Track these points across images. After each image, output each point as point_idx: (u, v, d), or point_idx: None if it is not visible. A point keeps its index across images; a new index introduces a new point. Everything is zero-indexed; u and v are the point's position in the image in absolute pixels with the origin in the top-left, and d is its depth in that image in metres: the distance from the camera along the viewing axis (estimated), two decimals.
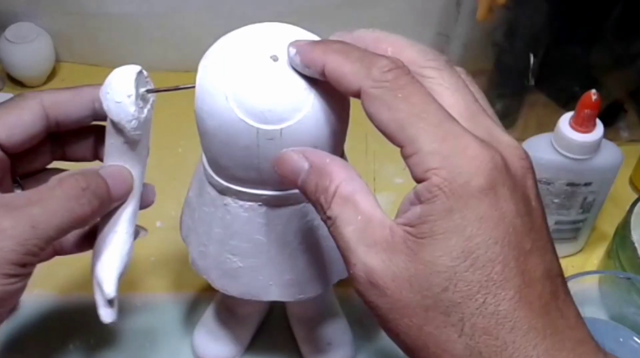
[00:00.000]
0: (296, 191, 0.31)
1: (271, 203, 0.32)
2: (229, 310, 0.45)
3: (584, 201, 0.48)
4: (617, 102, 0.59)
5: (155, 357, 0.46)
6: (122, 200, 0.32)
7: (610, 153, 0.46)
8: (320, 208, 0.27)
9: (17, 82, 0.66)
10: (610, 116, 0.56)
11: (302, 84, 0.28)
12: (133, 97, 0.29)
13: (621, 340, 0.42)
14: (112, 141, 0.31)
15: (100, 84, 0.30)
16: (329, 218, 0.26)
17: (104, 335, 0.47)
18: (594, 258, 0.53)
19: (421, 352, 0.25)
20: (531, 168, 0.26)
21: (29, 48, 0.63)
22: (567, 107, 0.49)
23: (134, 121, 0.30)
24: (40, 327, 0.48)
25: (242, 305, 0.44)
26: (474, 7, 0.56)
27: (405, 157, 0.25)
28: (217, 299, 0.46)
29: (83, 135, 0.35)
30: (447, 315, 0.24)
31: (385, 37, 0.28)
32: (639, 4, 0.53)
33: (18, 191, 0.31)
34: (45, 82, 0.67)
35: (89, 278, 0.51)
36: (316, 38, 0.30)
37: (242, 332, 0.45)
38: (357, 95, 0.26)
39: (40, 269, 0.52)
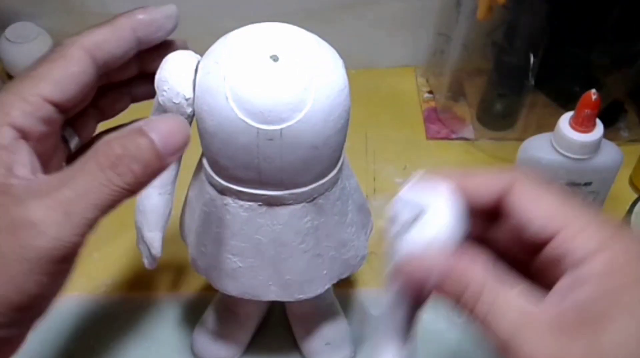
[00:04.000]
0: (296, 191, 0.32)
1: (271, 203, 0.32)
2: (229, 310, 0.45)
3: (584, 201, 0.48)
4: (617, 102, 0.59)
5: (155, 357, 0.46)
6: (179, 154, 0.26)
7: (610, 152, 0.46)
8: (465, 312, 0.24)
9: None
10: (610, 116, 0.56)
11: (302, 84, 0.28)
12: (191, 100, 0.30)
13: None
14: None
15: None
16: (476, 319, 0.24)
17: (104, 335, 0.47)
18: None
19: None
20: None
21: (29, 48, 0.63)
22: (567, 107, 0.49)
23: (188, 119, 0.31)
24: (40, 327, 0.48)
25: (242, 305, 0.44)
26: (474, 7, 0.56)
27: (564, 242, 0.24)
28: (217, 299, 0.46)
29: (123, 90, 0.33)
30: None
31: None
32: (639, 4, 0.53)
33: (54, 173, 0.26)
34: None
35: (89, 279, 0.51)
36: (317, 38, 0.30)
37: (242, 332, 0.45)
38: (496, 200, 0.25)
39: None
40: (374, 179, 0.55)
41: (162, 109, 0.31)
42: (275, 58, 0.28)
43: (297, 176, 0.31)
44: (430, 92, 0.64)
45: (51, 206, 0.24)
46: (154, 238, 0.36)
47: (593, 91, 0.43)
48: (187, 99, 0.30)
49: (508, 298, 0.23)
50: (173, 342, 0.47)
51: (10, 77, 0.66)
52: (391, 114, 0.62)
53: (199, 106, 0.30)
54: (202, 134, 0.31)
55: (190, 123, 0.31)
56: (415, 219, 0.25)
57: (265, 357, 0.47)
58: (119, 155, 0.25)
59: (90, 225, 0.25)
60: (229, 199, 0.32)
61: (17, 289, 0.24)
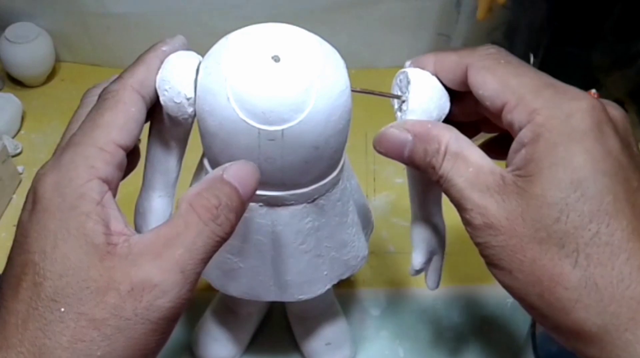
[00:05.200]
0: (297, 191, 0.32)
1: (272, 204, 0.32)
2: (229, 310, 0.45)
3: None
4: (617, 102, 0.59)
5: None
6: (253, 197, 0.28)
7: None
8: (432, 171, 0.28)
9: (17, 82, 0.66)
10: None
11: (303, 85, 0.28)
12: (192, 100, 0.30)
13: None
14: (161, 124, 0.32)
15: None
16: (441, 176, 0.28)
17: None
18: None
19: (534, 287, 0.25)
20: (627, 117, 0.28)
21: (29, 48, 0.63)
22: None
23: (190, 119, 0.30)
24: None
25: (242, 305, 0.44)
26: (474, 7, 0.56)
27: (509, 112, 0.27)
28: (217, 299, 0.46)
29: None
30: (561, 247, 0.24)
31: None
32: (639, 4, 0.53)
33: (150, 231, 0.26)
34: (45, 82, 0.67)
35: None
36: (319, 39, 0.30)
37: (242, 332, 0.45)
38: (462, 79, 0.29)
39: None
40: (374, 179, 0.55)
41: (164, 110, 0.31)
42: (276, 59, 0.28)
43: (298, 177, 0.31)
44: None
45: (167, 266, 0.25)
46: None
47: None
48: (188, 99, 0.30)
49: (469, 156, 0.28)
50: (173, 342, 0.47)
51: (10, 77, 0.66)
52: (391, 114, 0.62)
53: (200, 107, 0.30)
54: (203, 134, 0.31)
55: (192, 124, 0.31)
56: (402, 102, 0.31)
57: (265, 357, 0.47)
58: (217, 206, 0.26)
59: (198, 278, 0.26)
60: None
61: (141, 351, 0.25)
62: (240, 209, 0.27)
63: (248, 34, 0.30)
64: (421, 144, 0.29)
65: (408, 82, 0.31)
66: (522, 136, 0.26)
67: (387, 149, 0.30)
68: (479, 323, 0.48)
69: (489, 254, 0.27)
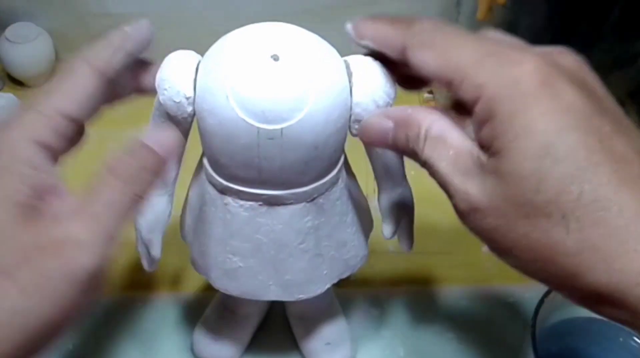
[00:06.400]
0: (296, 190, 0.32)
1: (271, 203, 0.32)
2: (229, 310, 0.45)
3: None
4: (617, 102, 0.60)
5: (155, 357, 0.46)
6: (175, 157, 0.30)
7: None
8: (415, 156, 0.28)
9: (17, 82, 0.66)
10: None
11: (302, 83, 0.28)
12: (192, 99, 0.30)
13: (621, 340, 0.42)
14: (161, 119, 0.32)
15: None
16: (425, 161, 0.27)
17: (104, 335, 0.47)
18: None
19: (537, 263, 0.24)
20: (584, 62, 0.26)
21: (29, 48, 0.63)
22: None
23: (189, 118, 0.30)
24: None
25: (242, 305, 0.44)
26: (474, 7, 0.56)
27: (457, 90, 0.26)
28: (217, 299, 0.46)
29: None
30: (549, 216, 0.23)
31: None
32: (639, 4, 0.53)
33: (76, 195, 0.27)
34: (45, 82, 0.67)
35: None
36: (318, 38, 0.30)
37: (242, 332, 0.45)
38: (402, 56, 0.28)
39: None
40: (374, 179, 0.55)
41: (163, 109, 0.31)
42: (275, 57, 0.28)
43: (297, 176, 0.31)
44: (430, 92, 0.64)
45: (88, 223, 0.26)
46: (153, 240, 0.36)
47: None
48: (187, 98, 0.30)
49: (449, 138, 0.27)
50: (173, 342, 0.47)
51: (10, 77, 0.66)
52: None
53: (200, 106, 0.30)
54: (203, 133, 0.31)
55: (191, 123, 0.31)
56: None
57: (265, 357, 0.47)
58: (132, 166, 0.27)
59: (119, 235, 0.27)
60: (229, 199, 0.32)
61: (62, 307, 0.25)
62: (159, 168, 0.28)
63: (247, 33, 0.30)
64: (402, 130, 0.28)
65: (351, 73, 0.30)
66: (478, 114, 0.25)
67: (372, 139, 0.30)
68: (479, 323, 0.48)
69: (484, 238, 0.26)
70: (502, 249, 0.26)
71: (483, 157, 0.25)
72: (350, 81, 0.30)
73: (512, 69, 0.25)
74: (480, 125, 0.25)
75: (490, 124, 0.25)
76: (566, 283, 0.24)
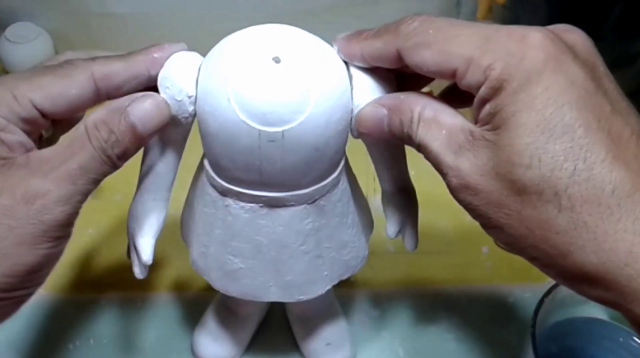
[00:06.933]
0: (297, 192, 0.32)
1: (272, 205, 0.32)
2: (229, 310, 0.45)
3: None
4: None
5: (155, 357, 0.46)
6: (157, 133, 0.30)
7: None
8: (410, 141, 0.28)
9: None
10: None
11: (303, 86, 0.28)
12: (194, 98, 0.30)
13: (621, 340, 0.42)
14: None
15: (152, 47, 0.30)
16: (419, 144, 0.27)
17: (104, 335, 0.47)
18: None
19: (528, 239, 0.24)
20: (589, 40, 0.26)
21: (29, 48, 0.63)
22: None
23: (190, 118, 0.30)
24: (40, 327, 0.48)
25: (242, 305, 0.44)
26: (474, 7, 0.56)
27: (463, 78, 0.25)
28: (217, 299, 0.46)
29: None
30: (540, 193, 0.23)
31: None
32: (639, 4, 0.53)
33: (50, 148, 0.29)
34: None
35: (89, 279, 0.52)
36: (319, 40, 0.30)
37: (242, 332, 0.45)
38: (400, 62, 0.28)
39: None
40: (374, 179, 0.55)
41: None
42: (277, 60, 0.28)
43: (298, 178, 0.31)
44: (430, 92, 0.64)
45: (61, 177, 0.27)
46: (145, 244, 0.35)
47: None
48: (189, 97, 0.30)
49: (441, 118, 0.27)
50: (173, 342, 0.47)
51: None
52: None
53: (201, 108, 0.30)
54: (204, 135, 0.31)
55: (191, 124, 0.31)
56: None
57: (265, 357, 0.47)
58: (106, 140, 0.28)
59: (88, 194, 0.29)
60: (230, 201, 0.32)
61: (32, 252, 0.27)
62: (135, 144, 0.29)
63: (248, 35, 0.30)
64: (396, 116, 0.28)
65: (351, 76, 0.30)
66: (482, 93, 0.25)
67: (369, 129, 0.29)
68: (479, 323, 0.48)
69: (476, 215, 0.26)
70: (493, 225, 0.25)
71: (478, 131, 0.25)
72: (351, 83, 0.30)
73: (517, 45, 0.24)
74: (482, 104, 0.25)
75: (494, 101, 0.24)
76: (556, 263, 0.24)
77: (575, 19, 0.54)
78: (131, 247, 0.36)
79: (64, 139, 0.31)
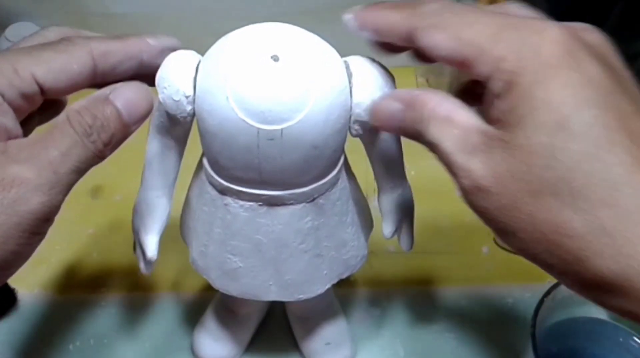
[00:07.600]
0: (296, 191, 0.32)
1: (271, 203, 0.32)
2: (229, 310, 0.45)
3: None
4: None
5: (155, 356, 0.46)
6: (143, 121, 0.29)
7: None
8: (421, 139, 0.27)
9: None
10: None
11: (302, 84, 0.28)
12: (192, 97, 0.30)
13: (621, 340, 0.42)
14: (161, 119, 0.32)
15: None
16: (430, 142, 0.26)
17: (104, 335, 0.47)
18: None
19: (541, 244, 0.23)
20: (608, 40, 0.25)
21: None
22: None
23: (189, 117, 0.30)
24: (39, 327, 0.48)
25: (242, 305, 0.44)
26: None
27: (473, 67, 0.25)
28: (217, 299, 0.46)
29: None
30: (556, 195, 0.22)
31: None
32: (639, 4, 0.53)
33: (28, 137, 0.27)
34: None
35: (89, 279, 0.52)
36: (318, 38, 0.30)
37: (242, 332, 0.45)
38: (410, 41, 0.27)
39: (40, 269, 0.52)
40: (374, 179, 0.55)
41: (163, 109, 0.31)
42: (275, 58, 0.28)
43: (297, 176, 0.31)
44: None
45: (41, 165, 0.26)
46: (150, 241, 0.35)
47: None
48: (187, 97, 0.30)
49: (455, 117, 0.26)
50: (173, 342, 0.47)
51: None
52: None
53: (200, 106, 0.30)
54: (203, 134, 0.31)
55: (191, 122, 0.31)
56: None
57: (265, 357, 0.47)
58: (90, 125, 0.27)
59: (71, 186, 0.27)
60: (229, 199, 0.32)
61: (3, 242, 0.25)
62: (121, 131, 0.28)
63: (247, 33, 0.30)
64: (410, 113, 0.27)
65: (350, 74, 0.30)
66: (493, 87, 0.24)
67: (383, 121, 0.29)
68: (479, 323, 0.48)
69: (488, 220, 0.25)
70: (505, 230, 0.24)
71: (492, 131, 0.24)
72: (350, 82, 0.30)
73: (532, 38, 0.23)
74: (495, 100, 0.24)
75: (508, 97, 0.23)
76: (571, 269, 0.23)
77: (575, 19, 0.54)
78: (137, 245, 0.36)
79: (41, 129, 0.30)
